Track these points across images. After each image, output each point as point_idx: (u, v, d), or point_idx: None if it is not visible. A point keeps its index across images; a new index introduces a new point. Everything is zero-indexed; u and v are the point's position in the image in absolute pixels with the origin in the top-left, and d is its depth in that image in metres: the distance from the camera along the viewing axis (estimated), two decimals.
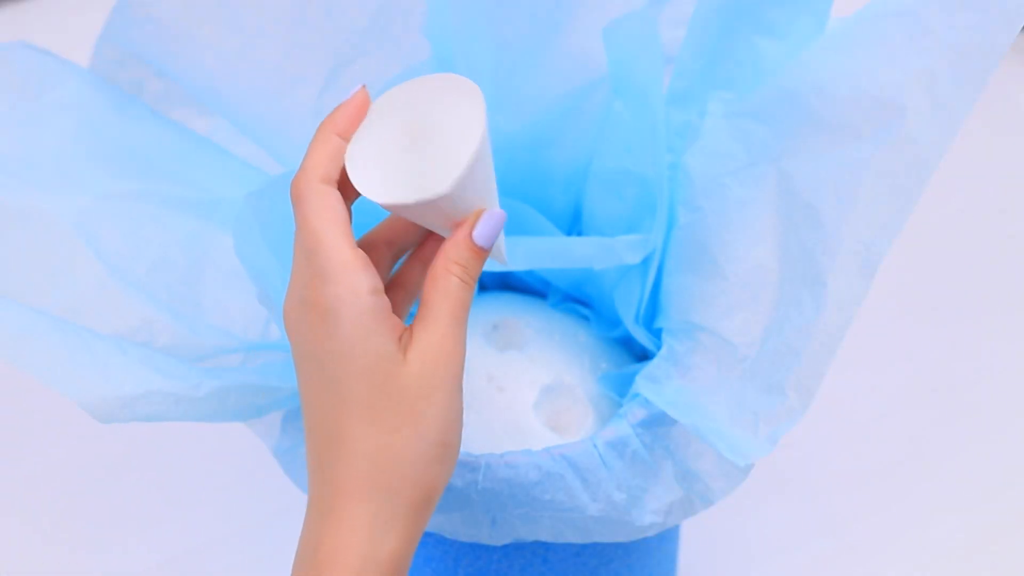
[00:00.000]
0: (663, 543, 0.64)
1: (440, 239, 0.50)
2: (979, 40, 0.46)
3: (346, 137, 0.45)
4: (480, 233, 0.45)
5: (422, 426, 0.44)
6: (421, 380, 0.44)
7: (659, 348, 0.56)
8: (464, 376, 0.51)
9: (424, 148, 0.45)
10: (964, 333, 0.90)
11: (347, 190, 0.45)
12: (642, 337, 0.58)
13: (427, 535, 0.59)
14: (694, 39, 0.54)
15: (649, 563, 0.64)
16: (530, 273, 0.67)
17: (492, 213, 0.45)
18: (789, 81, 0.50)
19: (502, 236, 0.48)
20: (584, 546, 0.59)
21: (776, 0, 0.52)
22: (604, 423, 0.58)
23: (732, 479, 0.54)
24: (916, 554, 0.77)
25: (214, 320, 0.57)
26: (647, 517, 0.53)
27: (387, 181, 0.44)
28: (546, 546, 0.58)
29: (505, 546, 0.58)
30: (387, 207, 0.44)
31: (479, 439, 0.57)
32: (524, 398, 0.58)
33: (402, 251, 0.50)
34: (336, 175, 0.45)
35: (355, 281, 0.43)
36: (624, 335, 0.62)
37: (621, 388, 0.59)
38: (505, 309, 0.64)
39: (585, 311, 0.65)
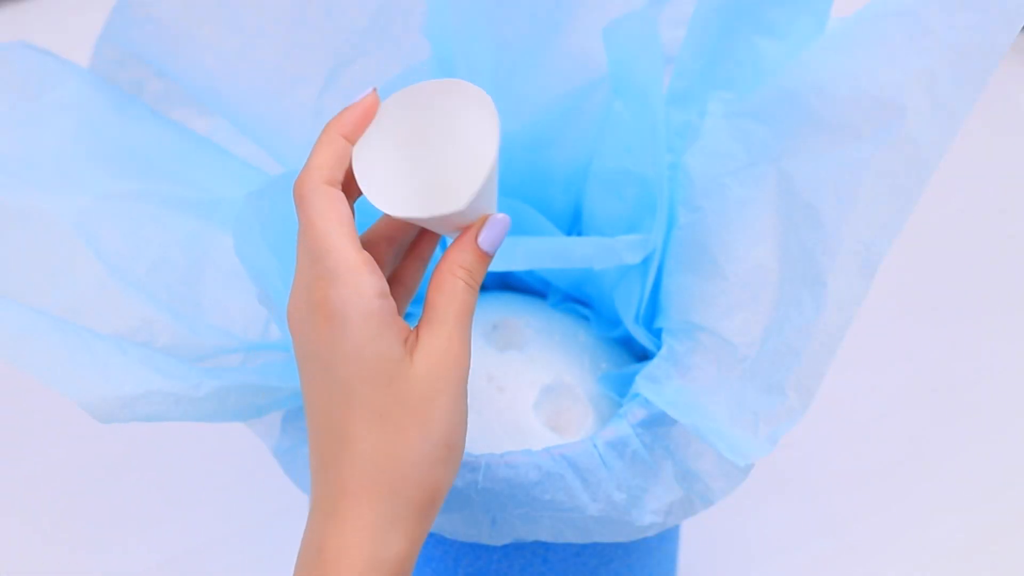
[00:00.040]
0: (663, 543, 0.64)
1: (435, 234, 0.50)
2: (979, 40, 0.46)
3: (352, 139, 0.45)
4: (485, 239, 0.46)
5: (427, 428, 0.44)
6: (427, 382, 0.44)
7: (659, 348, 0.56)
8: None
9: (436, 160, 0.45)
10: (964, 333, 0.90)
11: (350, 190, 0.45)
12: (642, 337, 0.58)
13: (427, 535, 0.59)
14: (694, 39, 0.54)
15: (649, 563, 0.64)
16: (530, 273, 0.67)
17: (496, 219, 0.46)
18: (789, 81, 0.50)
19: None
20: (584, 546, 0.59)
21: (776, 0, 0.52)
22: (604, 423, 0.58)
23: (732, 479, 0.54)
24: (916, 554, 0.77)
25: (214, 320, 0.57)
26: (647, 517, 0.53)
27: (399, 193, 0.45)
28: (546, 546, 0.58)
29: (505, 546, 0.58)
30: (398, 218, 0.45)
31: (479, 439, 0.57)
32: (524, 398, 0.58)
33: (402, 246, 0.50)
34: (340, 176, 0.45)
35: (362, 284, 0.43)
36: (624, 335, 0.62)
37: (621, 388, 0.59)
38: (505, 309, 0.64)
39: (585, 311, 0.65)
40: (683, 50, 0.54)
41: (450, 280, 0.45)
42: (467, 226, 0.46)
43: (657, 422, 0.53)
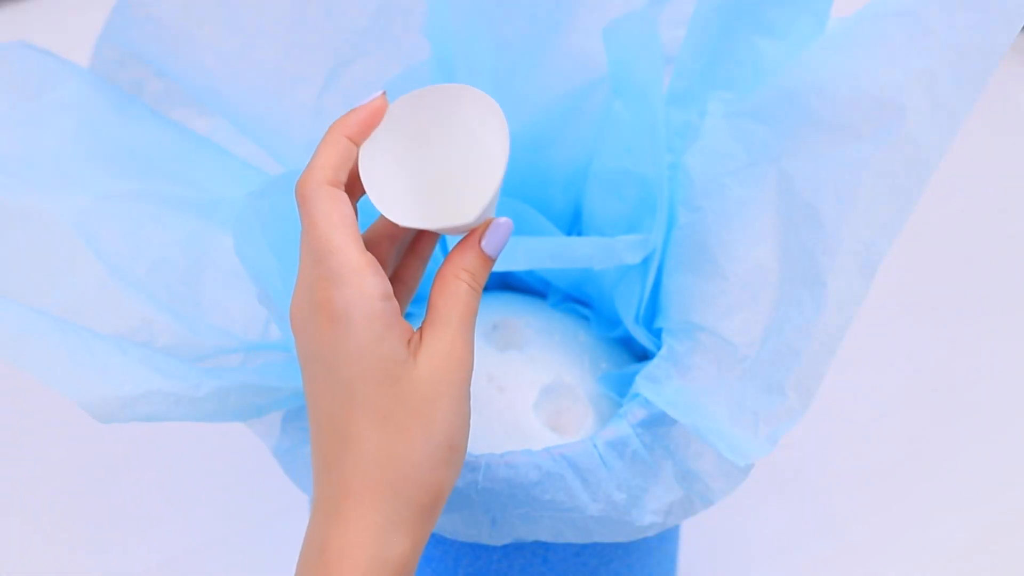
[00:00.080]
0: (663, 543, 0.64)
1: (434, 234, 0.50)
2: (979, 40, 0.46)
3: (357, 141, 0.45)
4: (489, 242, 0.46)
5: (430, 429, 0.44)
6: (430, 384, 0.44)
7: (659, 348, 0.56)
8: None
9: (444, 168, 0.45)
10: (964, 333, 0.90)
11: (353, 191, 0.45)
12: (642, 337, 0.58)
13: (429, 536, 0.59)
14: (694, 39, 0.54)
15: (649, 563, 0.64)
16: (530, 273, 0.67)
17: (500, 223, 0.46)
18: (789, 81, 0.50)
19: None
20: (584, 546, 0.59)
21: (776, 0, 0.52)
22: (604, 423, 0.58)
23: (732, 479, 0.54)
24: (916, 554, 0.77)
25: (214, 320, 0.57)
26: (647, 517, 0.53)
27: (406, 200, 0.45)
28: (546, 546, 0.58)
29: (505, 546, 0.58)
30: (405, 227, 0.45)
31: (479, 439, 0.57)
32: (524, 398, 0.58)
33: (404, 244, 0.51)
34: (344, 178, 0.45)
35: (366, 285, 0.43)
36: (624, 335, 0.62)
37: (621, 388, 0.59)
38: (505, 309, 0.64)
39: (585, 311, 0.65)
40: (683, 50, 0.54)
41: (453, 283, 0.45)
42: (471, 229, 0.46)
43: (657, 422, 0.53)
